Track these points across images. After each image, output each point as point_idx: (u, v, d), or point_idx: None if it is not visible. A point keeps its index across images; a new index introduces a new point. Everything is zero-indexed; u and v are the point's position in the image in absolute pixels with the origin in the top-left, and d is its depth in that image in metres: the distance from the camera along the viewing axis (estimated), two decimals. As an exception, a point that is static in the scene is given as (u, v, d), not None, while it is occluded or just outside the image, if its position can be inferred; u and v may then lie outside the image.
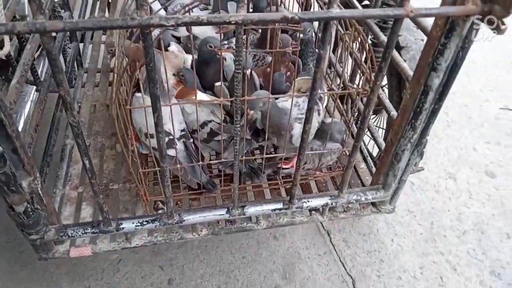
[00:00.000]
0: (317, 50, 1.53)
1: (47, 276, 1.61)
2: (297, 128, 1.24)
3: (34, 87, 1.70)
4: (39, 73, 1.55)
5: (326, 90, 1.33)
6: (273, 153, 1.45)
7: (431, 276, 1.68)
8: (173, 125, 1.04)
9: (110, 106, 1.64)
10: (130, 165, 1.11)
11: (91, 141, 1.52)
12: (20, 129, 1.42)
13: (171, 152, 1.16)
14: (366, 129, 1.30)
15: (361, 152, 1.49)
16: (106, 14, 2.16)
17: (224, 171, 1.30)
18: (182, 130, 1.23)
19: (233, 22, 0.64)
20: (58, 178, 1.36)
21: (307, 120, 0.87)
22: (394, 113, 1.21)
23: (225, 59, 1.32)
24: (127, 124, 1.07)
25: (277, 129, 1.23)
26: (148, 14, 0.61)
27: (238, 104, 0.83)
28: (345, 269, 1.70)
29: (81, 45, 1.94)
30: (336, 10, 0.66)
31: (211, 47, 1.21)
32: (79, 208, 1.29)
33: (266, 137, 1.23)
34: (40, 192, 0.98)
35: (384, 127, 1.79)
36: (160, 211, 1.26)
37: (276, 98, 1.22)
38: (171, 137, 1.15)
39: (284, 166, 1.33)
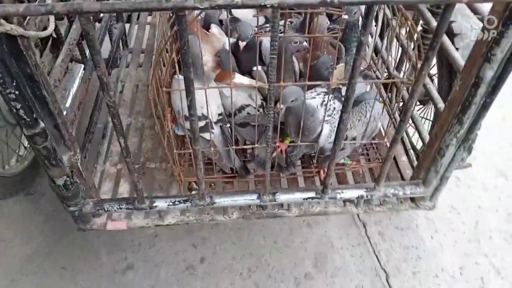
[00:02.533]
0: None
1: (87, 245, 1.70)
2: (326, 129, 1.16)
3: (82, 65, 1.77)
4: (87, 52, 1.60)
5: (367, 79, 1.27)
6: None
7: (471, 277, 1.60)
8: (207, 108, 1.03)
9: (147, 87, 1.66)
10: (166, 145, 1.12)
11: (132, 120, 1.55)
12: (68, 105, 1.49)
13: (207, 135, 1.16)
14: (410, 121, 1.23)
15: (403, 144, 1.42)
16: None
17: (258, 156, 1.28)
18: (219, 114, 1.22)
19: (268, 6, 0.61)
20: (99, 154, 1.41)
21: (344, 111, 0.83)
22: (441, 105, 1.14)
23: (262, 43, 1.29)
24: (164, 105, 1.08)
25: (302, 130, 1.14)
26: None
27: (272, 89, 0.81)
28: (379, 263, 1.65)
29: (127, 25, 1.98)
30: (380, -6, 0.62)
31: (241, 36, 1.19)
32: (118, 184, 1.34)
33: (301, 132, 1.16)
34: (79, 166, 1.02)
35: (432, 119, 1.69)
36: (193, 192, 1.28)
37: (312, 87, 1.17)
38: (208, 120, 1.15)
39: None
